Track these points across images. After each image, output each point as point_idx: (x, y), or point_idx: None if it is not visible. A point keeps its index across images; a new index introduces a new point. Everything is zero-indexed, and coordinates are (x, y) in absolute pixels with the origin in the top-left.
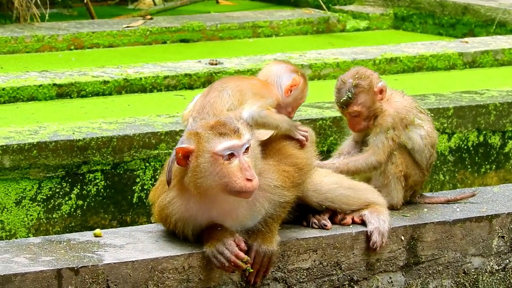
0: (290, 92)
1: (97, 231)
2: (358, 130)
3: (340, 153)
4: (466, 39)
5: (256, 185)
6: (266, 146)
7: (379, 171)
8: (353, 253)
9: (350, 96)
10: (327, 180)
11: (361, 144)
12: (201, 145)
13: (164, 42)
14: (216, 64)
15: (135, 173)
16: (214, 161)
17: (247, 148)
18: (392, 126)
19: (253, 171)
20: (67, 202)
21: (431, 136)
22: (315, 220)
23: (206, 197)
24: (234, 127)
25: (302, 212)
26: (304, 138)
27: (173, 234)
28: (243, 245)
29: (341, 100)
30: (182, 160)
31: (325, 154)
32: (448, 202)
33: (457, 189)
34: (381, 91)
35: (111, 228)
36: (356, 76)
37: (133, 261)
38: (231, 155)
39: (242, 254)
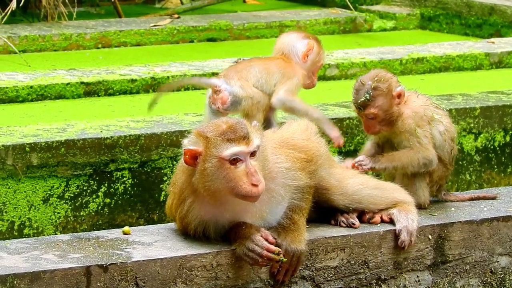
0: (307, 57)
1: (126, 228)
2: (372, 132)
3: (365, 154)
4: (492, 39)
5: (261, 189)
6: (274, 137)
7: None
8: (381, 252)
9: (368, 98)
10: (353, 182)
11: (382, 147)
12: (208, 149)
13: (191, 41)
14: None
15: (162, 171)
16: (220, 166)
17: (254, 152)
18: (417, 125)
19: (260, 175)
20: (94, 200)
21: (449, 131)
22: (343, 219)
23: (217, 198)
24: (243, 133)
25: (330, 210)
26: (337, 135)
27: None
28: (271, 238)
29: (359, 101)
30: (190, 160)
31: (352, 154)
32: (471, 199)
33: (483, 189)
34: (399, 96)
35: (138, 226)
36: (376, 78)
37: (161, 259)
38: (238, 160)
39: (272, 247)
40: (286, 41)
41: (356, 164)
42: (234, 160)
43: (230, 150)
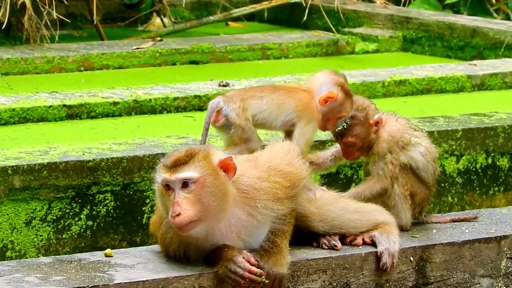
0: (326, 103)
1: (108, 251)
2: (351, 159)
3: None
4: (474, 61)
5: (179, 222)
6: (257, 161)
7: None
8: (363, 274)
9: (345, 127)
10: (333, 208)
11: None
12: (156, 172)
13: (174, 64)
14: (225, 86)
15: (145, 194)
16: (161, 191)
17: (186, 184)
18: (389, 150)
19: (188, 207)
20: (77, 223)
21: (430, 152)
22: (325, 241)
23: None
24: (177, 162)
25: (312, 232)
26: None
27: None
28: (253, 260)
29: (336, 130)
30: None
31: (335, 176)
32: (452, 221)
33: (464, 211)
34: (377, 123)
35: (120, 248)
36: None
37: (143, 281)
38: (170, 188)
39: (254, 269)
40: (319, 77)
41: None
42: (167, 188)
43: (158, 176)
